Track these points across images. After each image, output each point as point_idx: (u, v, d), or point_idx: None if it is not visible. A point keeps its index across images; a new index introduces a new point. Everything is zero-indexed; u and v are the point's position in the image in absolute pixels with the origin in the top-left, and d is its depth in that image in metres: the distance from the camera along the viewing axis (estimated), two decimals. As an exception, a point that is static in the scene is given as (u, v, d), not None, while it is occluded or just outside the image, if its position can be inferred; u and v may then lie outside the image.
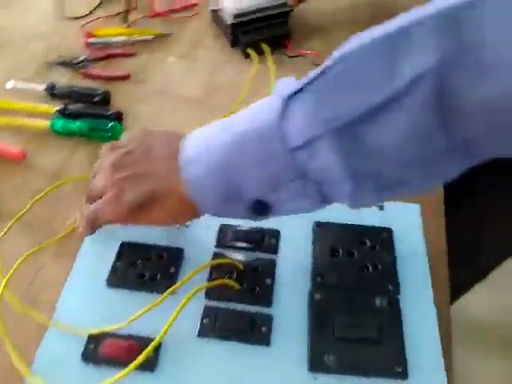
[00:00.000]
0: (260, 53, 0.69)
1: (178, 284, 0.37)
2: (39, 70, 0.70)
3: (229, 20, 0.69)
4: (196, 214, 0.36)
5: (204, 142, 0.34)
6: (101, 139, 0.59)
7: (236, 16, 0.68)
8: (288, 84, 0.31)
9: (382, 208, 0.44)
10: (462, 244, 0.53)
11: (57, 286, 0.42)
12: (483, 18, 0.24)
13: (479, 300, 0.81)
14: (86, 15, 0.78)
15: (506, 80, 0.24)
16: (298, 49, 0.70)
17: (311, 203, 0.31)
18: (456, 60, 0.25)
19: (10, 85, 0.66)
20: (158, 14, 0.78)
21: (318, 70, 0.29)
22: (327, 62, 0.29)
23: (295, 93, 0.30)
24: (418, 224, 0.43)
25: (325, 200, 0.31)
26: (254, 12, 0.69)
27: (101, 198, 0.38)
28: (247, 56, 0.70)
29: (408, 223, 0.43)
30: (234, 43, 0.71)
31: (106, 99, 0.63)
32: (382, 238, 0.41)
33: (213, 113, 0.61)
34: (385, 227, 0.42)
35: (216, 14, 0.74)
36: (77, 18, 0.78)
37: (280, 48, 0.70)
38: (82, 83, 0.67)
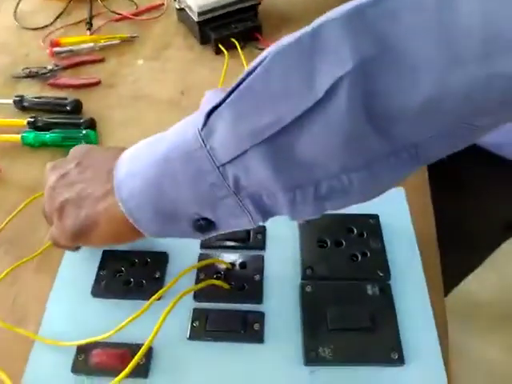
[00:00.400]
0: (231, 48, 0.68)
1: (163, 289, 0.36)
2: (6, 84, 0.68)
3: (195, 17, 0.68)
4: (139, 235, 0.34)
5: (135, 161, 0.33)
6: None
7: (202, 13, 0.67)
8: (214, 97, 0.29)
9: (366, 194, 0.44)
10: (451, 225, 0.53)
11: (41, 300, 0.41)
12: (394, 13, 0.23)
13: (476, 278, 0.82)
14: (49, 25, 0.76)
15: (434, 78, 0.22)
16: (270, 41, 0.70)
17: (252, 219, 0.30)
18: (377, 61, 0.23)
19: (-24, 100, 0.64)
20: (122, 18, 0.77)
21: (235, 83, 0.27)
22: (242, 74, 0.27)
23: (216, 107, 0.28)
24: (405, 208, 0.43)
25: (265, 214, 0.30)
26: (220, 7, 0.68)
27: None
28: (218, 52, 0.69)
29: (394, 208, 0.42)
30: (204, 41, 0.70)
31: (77, 107, 0.62)
32: (369, 224, 0.41)
33: (188, 113, 0.60)
34: (371, 214, 0.41)
35: (182, 13, 0.73)
36: (40, 29, 0.76)
37: (251, 41, 0.70)
38: (52, 93, 0.65)
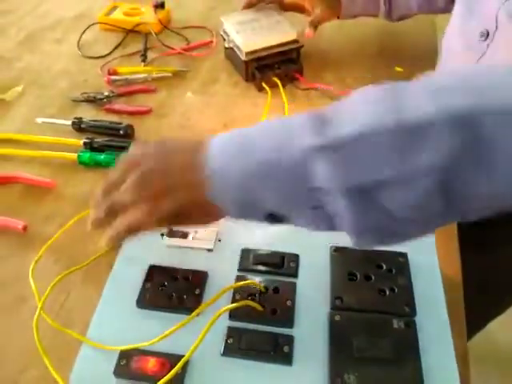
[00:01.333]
0: (273, 87, 0.73)
1: (203, 305, 0.39)
2: (66, 106, 0.74)
3: (243, 57, 0.73)
4: (223, 216, 0.39)
5: (227, 158, 0.36)
6: (125, 170, 0.62)
7: (250, 53, 0.72)
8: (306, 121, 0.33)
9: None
10: (475, 272, 0.54)
11: (86, 308, 0.44)
12: (494, 126, 0.27)
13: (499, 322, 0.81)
14: (107, 55, 0.83)
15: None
16: (310, 81, 0.74)
17: (319, 226, 0.35)
18: (463, 162, 0.28)
19: (39, 120, 0.70)
20: (174, 52, 0.83)
21: (340, 132, 0.31)
22: (348, 130, 0.31)
23: (319, 147, 0.31)
24: (433, 249, 0.45)
25: (332, 228, 0.34)
26: (266, 49, 0.73)
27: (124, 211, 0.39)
28: (261, 90, 0.73)
29: (423, 248, 0.44)
30: (248, 78, 0.75)
31: (129, 132, 0.67)
32: (398, 262, 0.43)
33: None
34: (400, 252, 0.44)
35: (230, 52, 0.78)
36: (99, 58, 0.83)
37: (293, 81, 0.74)
38: (106, 118, 0.71)
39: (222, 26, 0.79)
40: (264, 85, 0.73)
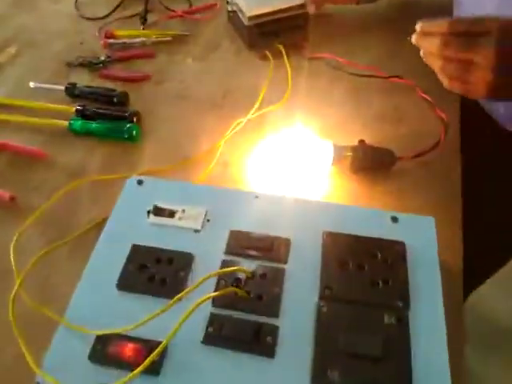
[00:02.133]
0: (277, 55, 0.68)
1: (185, 291, 0.37)
2: (59, 70, 0.70)
3: (245, 21, 0.68)
4: None
5: None
6: (118, 140, 0.59)
7: (253, 18, 0.68)
8: None
9: (395, 220, 0.43)
10: (480, 260, 0.51)
11: (71, 283, 0.42)
12: None
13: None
14: (106, 16, 0.79)
15: None
16: (317, 51, 0.69)
17: None
18: None
19: (32, 84, 0.67)
20: (175, 15, 0.78)
21: None
22: None
23: None
24: (433, 238, 0.42)
25: None
26: (271, 14, 0.68)
27: None
28: (263, 58, 0.69)
29: (422, 237, 0.42)
30: (251, 45, 0.71)
31: (124, 100, 0.64)
32: (395, 251, 0.40)
33: (229, 115, 0.61)
34: (397, 240, 0.41)
35: (233, 16, 0.73)
36: (97, 19, 0.78)
37: (297, 50, 0.70)
38: (101, 84, 0.68)
39: (225, -12, 0.74)
40: (267, 53, 0.69)
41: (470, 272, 0.46)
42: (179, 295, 0.37)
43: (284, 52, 0.68)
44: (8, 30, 0.78)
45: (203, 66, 0.71)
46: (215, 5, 0.79)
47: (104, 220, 0.46)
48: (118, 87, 0.67)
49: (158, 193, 0.47)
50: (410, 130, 0.59)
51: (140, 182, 0.47)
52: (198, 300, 0.36)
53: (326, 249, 0.41)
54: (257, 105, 0.61)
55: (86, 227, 0.51)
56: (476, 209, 0.53)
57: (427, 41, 0.49)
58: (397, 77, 0.65)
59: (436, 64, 0.49)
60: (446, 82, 0.50)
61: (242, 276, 0.40)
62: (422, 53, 0.51)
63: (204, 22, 0.77)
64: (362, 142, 0.54)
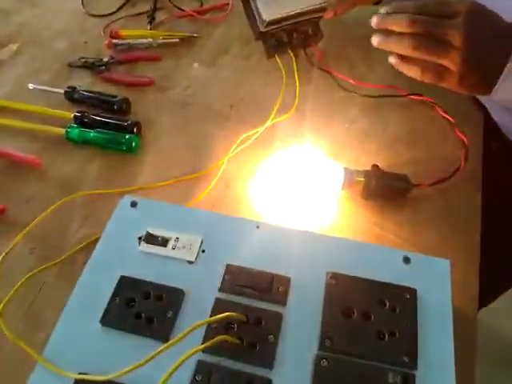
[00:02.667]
0: (288, 62, 0.64)
1: (173, 340, 0.33)
2: (61, 71, 0.67)
3: (261, 27, 0.63)
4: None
5: None
6: (116, 150, 0.56)
7: (270, 23, 0.63)
8: None
9: (407, 261, 0.39)
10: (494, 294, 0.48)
11: (57, 308, 0.39)
12: None
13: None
14: (112, 13, 0.75)
15: None
16: (330, 60, 0.65)
17: None
18: None
19: (31, 86, 0.64)
20: (185, 15, 0.74)
21: None
22: None
23: None
24: (447, 285, 0.38)
25: None
26: (289, 18, 0.63)
27: None
28: (271, 56, 0.64)
29: (435, 283, 0.38)
30: (269, 53, 0.65)
31: (124, 108, 0.60)
32: (405, 299, 0.36)
33: (235, 128, 0.58)
34: (408, 287, 0.37)
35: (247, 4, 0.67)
36: (103, 16, 0.75)
37: (309, 59, 0.65)
38: (103, 87, 0.64)
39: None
40: (278, 60, 0.64)
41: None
42: (168, 344, 0.33)
43: (294, 61, 0.64)
44: (11, 26, 0.75)
45: (210, 71, 0.67)
46: (227, 4, 0.75)
47: (95, 241, 0.44)
48: (121, 92, 0.63)
49: (151, 216, 0.43)
50: (428, 153, 0.55)
51: (134, 204, 0.44)
52: (184, 354, 0.32)
53: (330, 292, 0.37)
54: (268, 123, 0.57)
55: (76, 248, 0.48)
56: (492, 241, 0.49)
57: (392, 21, 0.46)
58: (415, 94, 0.61)
59: (402, 47, 0.46)
60: (418, 73, 0.47)
61: (235, 319, 0.36)
62: (374, 42, 0.48)
63: (214, 23, 0.73)
64: (375, 166, 0.50)
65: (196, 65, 0.67)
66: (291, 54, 0.64)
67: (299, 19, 0.62)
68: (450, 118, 0.58)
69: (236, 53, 0.69)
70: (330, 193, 0.50)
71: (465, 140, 0.55)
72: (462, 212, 0.49)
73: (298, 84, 0.62)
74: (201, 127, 0.59)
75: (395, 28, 0.46)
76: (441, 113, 0.59)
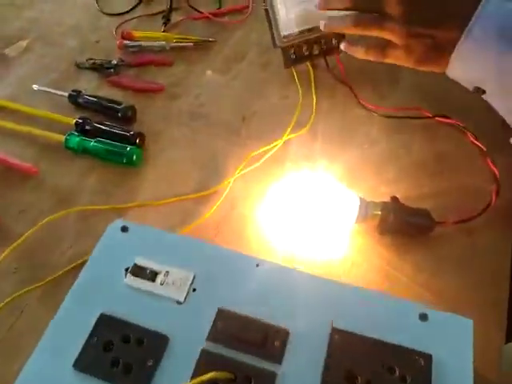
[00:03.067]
0: (306, 75, 0.59)
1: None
2: (68, 71, 0.63)
3: (278, 41, 0.57)
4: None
5: None
6: (116, 163, 0.52)
7: (288, 38, 0.57)
8: None
9: (424, 318, 0.34)
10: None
11: (37, 334, 0.35)
12: None
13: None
14: (126, 12, 0.71)
15: None
16: (350, 78, 0.59)
17: None
18: None
19: (35, 87, 0.60)
20: (202, 17, 0.69)
21: None
22: None
23: None
24: (468, 350, 0.32)
25: None
26: (310, 31, 0.57)
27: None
28: (288, 66, 0.59)
29: (455, 347, 0.32)
30: (286, 64, 0.59)
31: (130, 115, 0.56)
32: (418, 366, 0.31)
33: (246, 143, 0.53)
34: (423, 352, 0.32)
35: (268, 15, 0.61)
36: (117, 15, 0.70)
37: (331, 70, 0.59)
38: (110, 92, 0.60)
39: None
40: (294, 73, 0.59)
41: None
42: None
43: (312, 73, 0.59)
44: (22, 21, 0.71)
45: (224, 79, 0.62)
46: (247, 7, 0.70)
47: (83, 264, 0.40)
48: (128, 97, 0.59)
49: (143, 244, 0.39)
50: (454, 185, 0.49)
51: (124, 229, 0.40)
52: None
53: (333, 351, 0.32)
54: (280, 142, 0.52)
55: (63, 270, 0.44)
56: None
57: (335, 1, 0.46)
58: (442, 116, 0.54)
59: (345, 26, 0.46)
60: (362, 52, 0.48)
61: (222, 378, 0.32)
62: (321, 26, 0.49)
63: (232, 27, 0.68)
64: (394, 199, 0.45)
65: (209, 72, 0.62)
66: (310, 67, 0.59)
67: (322, 32, 0.56)
68: (481, 146, 0.52)
69: (253, 60, 0.64)
70: (343, 225, 0.45)
71: (496, 172, 0.49)
72: (490, 257, 0.43)
73: (315, 100, 0.57)
74: (209, 141, 0.55)
75: (338, 6, 0.47)
76: (471, 139, 0.53)
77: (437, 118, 0.55)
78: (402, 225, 0.44)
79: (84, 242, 0.46)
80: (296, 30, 0.55)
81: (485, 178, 0.49)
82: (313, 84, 0.59)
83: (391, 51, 0.45)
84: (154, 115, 0.58)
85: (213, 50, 0.65)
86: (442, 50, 0.41)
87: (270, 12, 0.54)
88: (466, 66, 0.41)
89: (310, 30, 0.56)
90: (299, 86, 0.59)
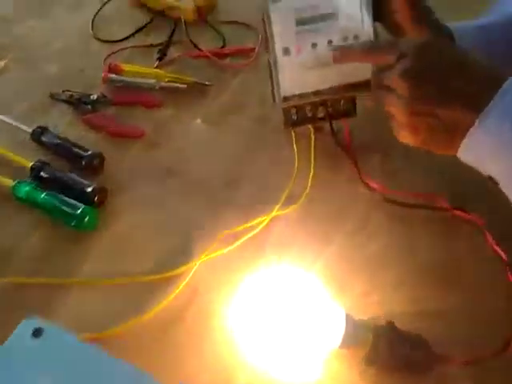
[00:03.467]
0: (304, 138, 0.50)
1: None
2: (40, 102, 0.55)
3: (278, 101, 0.48)
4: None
5: None
6: (64, 223, 0.43)
7: (288, 99, 0.48)
8: None
9: None
10: None
11: None
12: None
13: None
14: (120, 40, 0.63)
15: None
16: (356, 148, 0.49)
17: None
18: None
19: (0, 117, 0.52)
20: (201, 56, 0.61)
21: None
22: None
23: None
24: None
25: None
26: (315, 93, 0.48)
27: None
28: (287, 127, 0.50)
29: None
30: (286, 125, 0.50)
31: (95, 165, 0.47)
32: None
33: (224, 214, 0.44)
34: None
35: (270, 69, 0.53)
36: (109, 42, 0.63)
37: (336, 136, 0.50)
38: (83, 132, 0.52)
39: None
40: (293, 137, 0.50)
41: None
42: None
43: (313, 140, 0.50)
44: (7, 38, 0.64)
45: (214, 132, 0.53)
46: (253, 50, 0.61)
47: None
48: (100, 141, 0.51)
49: (58, 355, 0.30)
50: (466, 304, 0.39)
51: (37, 333, 0.31)
52: None
53: None
54: (263, 223, 0.43)
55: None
56: None
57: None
58: (460, 209, 0.45)
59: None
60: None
61: None
62: None
63: (233, 71, 0.60)
64: (390, 324, 0.35)
65: (199, 121, 0.54)
66: (312, 130, 0.51)
67: (329, 96, 0.47)
68: (503, 255, 0.42)
69: (250, 113, 0.55)
70: (322, 348, 0.35)
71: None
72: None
73: (312, 171, 0.48)
74: (181, 206, 0.46)
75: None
76: (490, 242, 0.43)
77: (454, 211, 0.45)
78: (396, 358, 0.34)
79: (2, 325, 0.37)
80: (298, 93, 0.46)
81: (504, 299, 0.39)
82: (312, 150, 0.50)
83: (398, 130, 0.40)
84: (125, 166, 0.49)
85: (208, 95, 0.57)
86: (451, 133, 0.37)
87: (273, 67, 0.46)
88: (478, 154, 0.37)
89: (315, 94, 0.47)
90: (296, 151, 0.50)
